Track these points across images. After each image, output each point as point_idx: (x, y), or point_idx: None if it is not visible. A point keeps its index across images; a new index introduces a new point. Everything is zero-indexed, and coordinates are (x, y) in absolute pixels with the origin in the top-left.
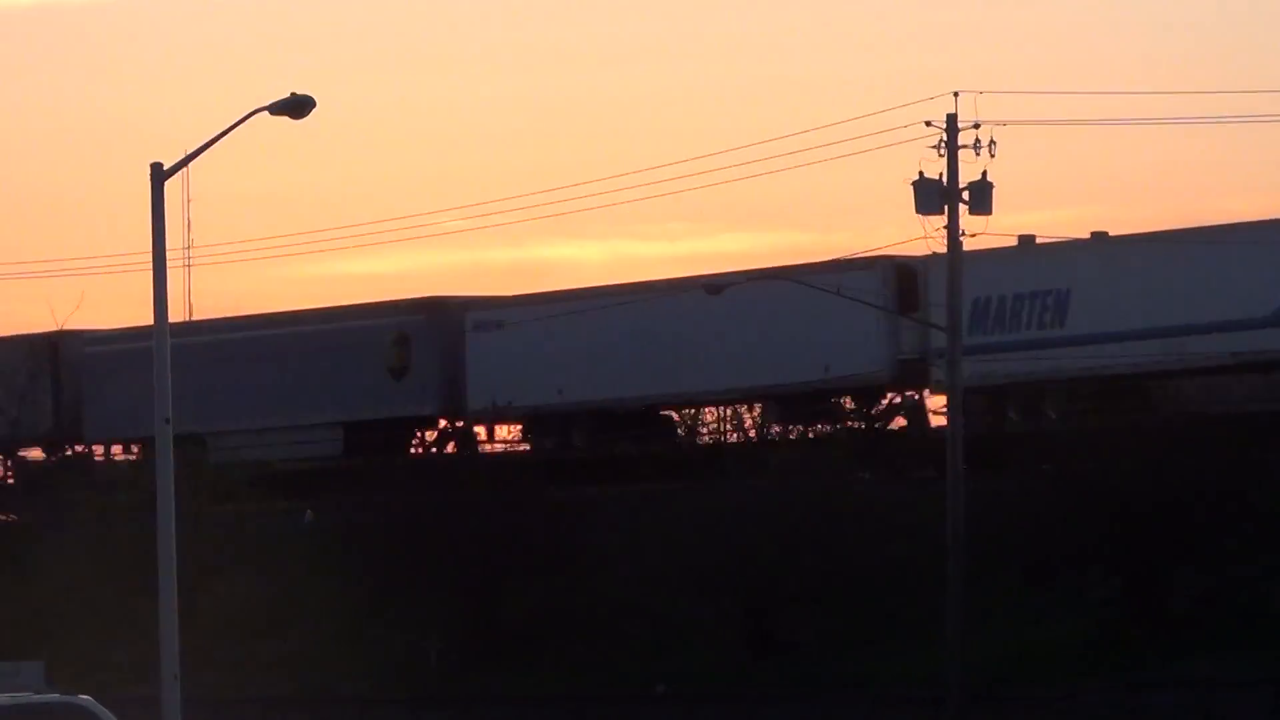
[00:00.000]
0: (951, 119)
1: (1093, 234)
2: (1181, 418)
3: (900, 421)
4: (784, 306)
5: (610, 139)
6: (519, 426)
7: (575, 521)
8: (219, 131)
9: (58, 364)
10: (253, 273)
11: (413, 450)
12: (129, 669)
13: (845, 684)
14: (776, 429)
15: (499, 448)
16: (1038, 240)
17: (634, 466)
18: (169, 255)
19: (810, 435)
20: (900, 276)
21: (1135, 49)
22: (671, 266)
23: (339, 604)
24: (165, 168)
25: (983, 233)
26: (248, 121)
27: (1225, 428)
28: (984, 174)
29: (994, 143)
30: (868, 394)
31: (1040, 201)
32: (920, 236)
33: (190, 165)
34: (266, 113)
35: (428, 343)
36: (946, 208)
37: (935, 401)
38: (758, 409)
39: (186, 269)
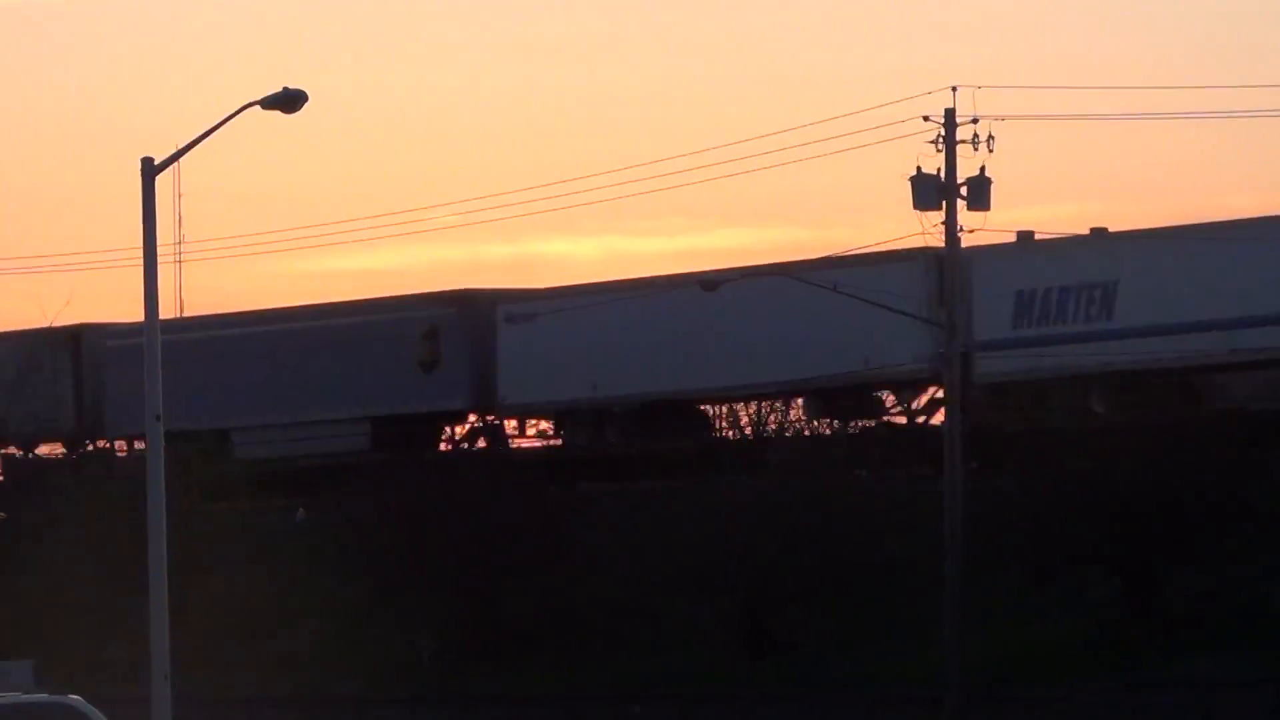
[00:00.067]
0: (949, 114)
1: (1092, 230)
2: (1231, 414)
3: (941, 416)
4: (822, 298)
5: (606, 134)
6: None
7: (572, 519)
8: (210, 126)
9: (79, 358)
10: (244, 269)
11: (442, 445)
12: (120, 668)
13: (843, 684)
14: (811, 424)
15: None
16: (1036, 236)
17: (673, 462)
18: (160, 251)
19: (852, 430)
20: (942, 267)
21: (1134, 43)
22: (668, 263)
23: (333, 603)
24: (156, 162)
25: (980, 229)
26: (239, 116)
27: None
28: (982, 169)
29: (992, 138)
30: (909, 388)
31: (1039, 197)
32: (918, 232)
33: (181, 160)
34: (258, 107)
35: (458, 336)
36: (944, 203)
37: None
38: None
39: (178, 264)
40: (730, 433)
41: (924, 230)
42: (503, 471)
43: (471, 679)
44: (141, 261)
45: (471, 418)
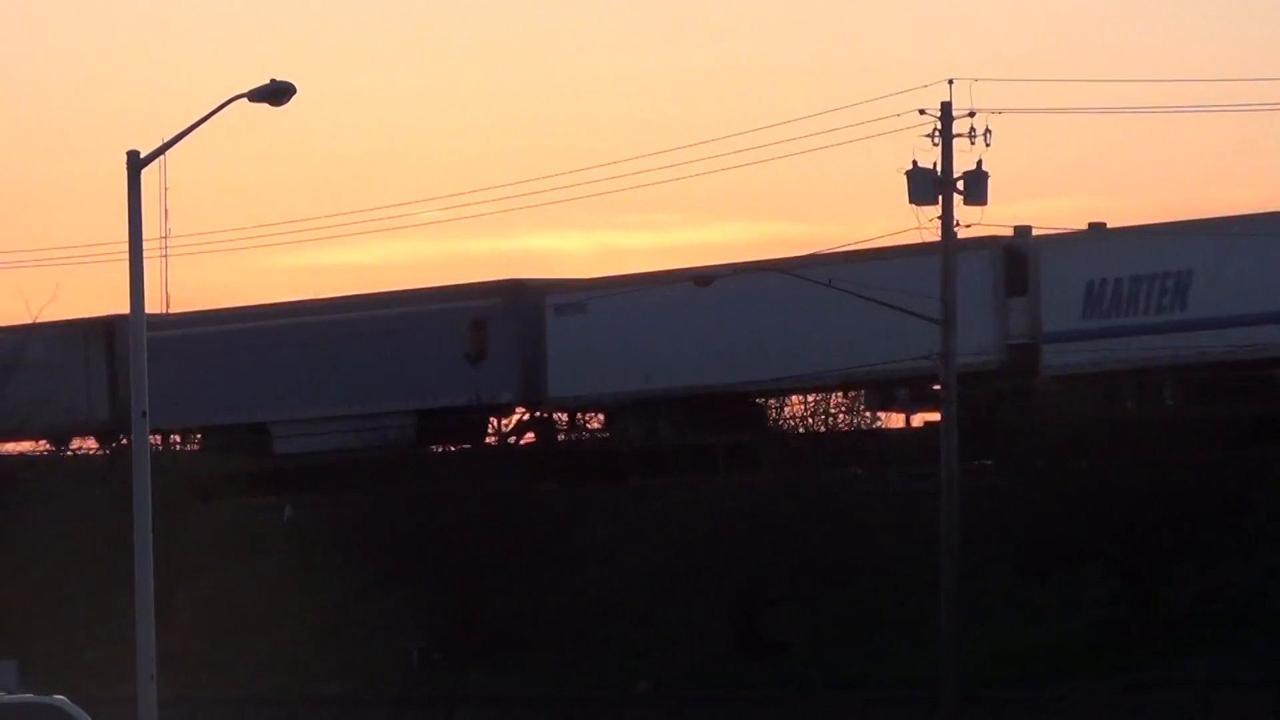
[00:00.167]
0: (946, 107)
1: (1090, 224)
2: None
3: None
4: (889, 286)
5: (596, 127)
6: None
7: (561, 518)
8: (197, 119)
9: (113, 350)
10: (231, 263)
11: (489, 439)
12: (105, 668)
13: (837, 685)
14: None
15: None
16: (1034, 231)
17: (731, 457)
18: (146, 245)
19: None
20: (1009, 258)
21: (1133, 36)
22: (658, 258)
23: (321, 602)
24: (142, 156)
25: (977, 223)
26: (226, 109)
27: None
28: (979, 163)
29: (989, 131)
30: (975, 380)
31: (1036, 191)
32: (914, 227)
33: (167, 154)
34: (245, 100)
35: (506, 327)
36: (941, 198)
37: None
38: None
39: (164, 259)
40: (784, 425)
41: (919, 225)
42: (493, 469)
43: (458, 679)
44: (127, 256)
45: (519, 411)
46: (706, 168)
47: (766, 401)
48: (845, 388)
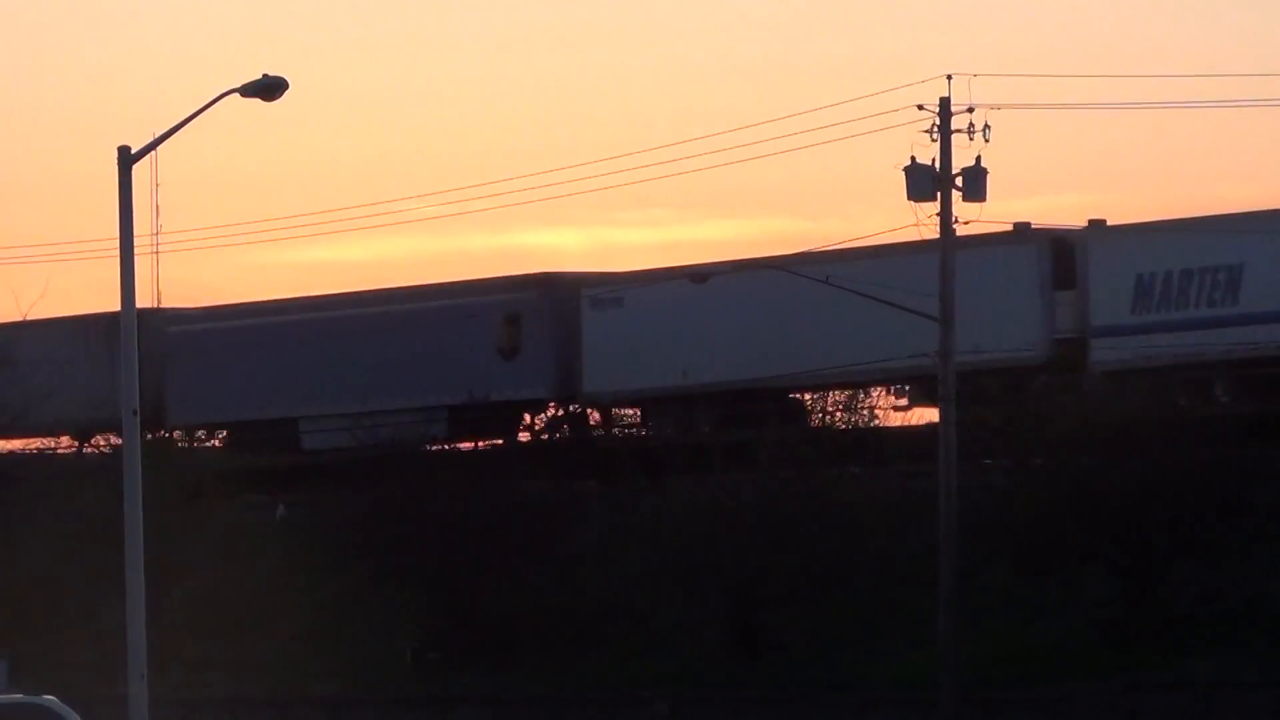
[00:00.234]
0: (944, 102)
1: (1090, 221)
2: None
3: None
4: (930, 281)
5: (592, 123)
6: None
7: (556, 517)
8: (188, 114)
9: (138, 345)
10: (223, 260)
11: (522, 435)
12: (96, 668)
13: (835, 685)
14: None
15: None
16: (1032, 226)
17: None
18: (137, 241)
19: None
20: (1056, 250)
21: (1133, 31)
22: (654, 254)
23: (313, 601)
24: (133, 151)
25: (976, 220)
26: (218, 104)
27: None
28: (978, 159)
29: (988, 127)
30: (1020, 376)
31: (1035, 187)
32: (912, 224)
33: (159, 149)
34: (238, 95)
35: (540, 321)
36: (939, 194)
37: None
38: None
39: (155, 255)
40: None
41: (918, 222)
42: (484, 468)
43: (452, 680)
44: (118, 252)
45: (554, 406)
46: (703, 164)
47: (806, 397)
48: (886, 383)
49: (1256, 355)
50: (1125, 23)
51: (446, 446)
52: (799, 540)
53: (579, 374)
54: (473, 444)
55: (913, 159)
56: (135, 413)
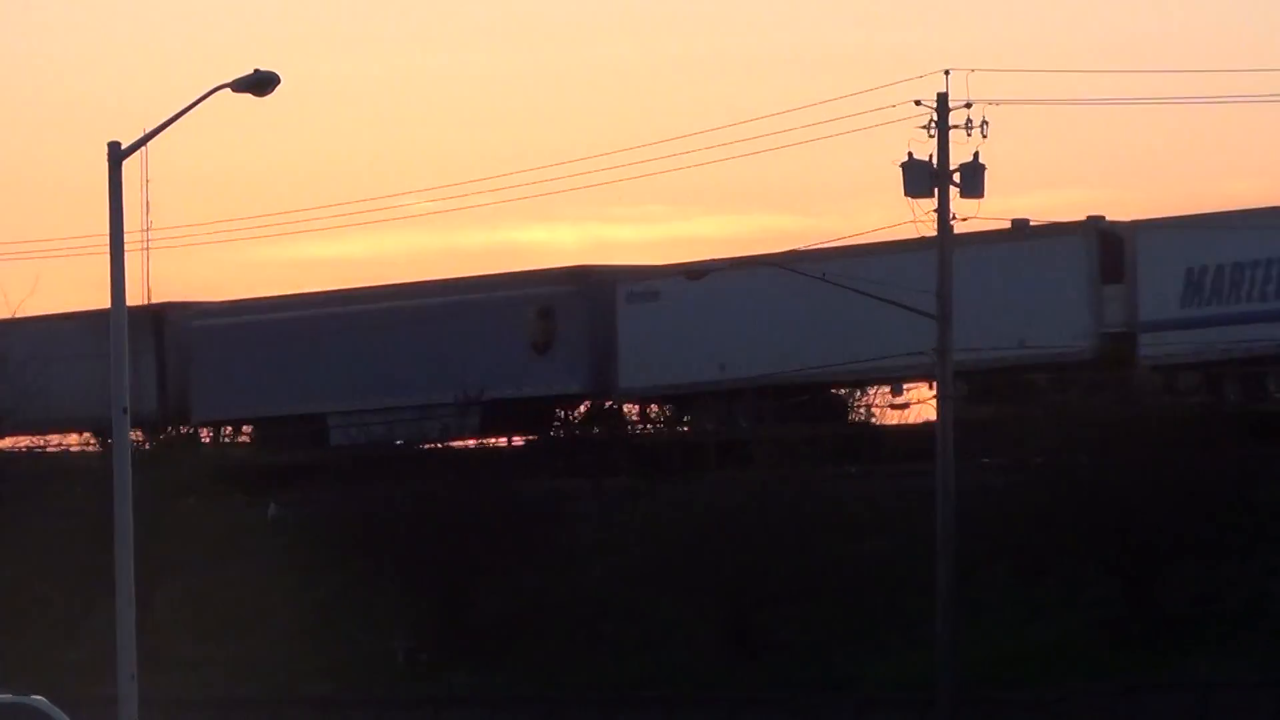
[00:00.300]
0: (942, 98)
1: (1088, 217)
2: None
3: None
4: (976, 274)
5: (585, 118)
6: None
7: (551, 515)
8: (179, 109)
9: (162, 339)
10: (214, 256)
11: (554, 431)
12: (85, 668)
13: (831, 685)
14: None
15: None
16: (1031, 223)
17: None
18: (127, 238)
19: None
20: (1104, 243)
21: (1132, 26)
22: (648, 251)
23: (305, 601)
24: (123, 147)
25: (974, 216)
26: (209, 99)
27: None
28: (976, 155)
29: (986, 123)
30: (1067, 370)
31: (1034, 184)
32: (909, 220)
33: (149, 144)
34: (229, 90)
35: (575, 315)
36: (936, 190)
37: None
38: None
39: (145, 252)
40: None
41: (915, 219)
42: (477, 466)
43: (445, 680)
44: (108, 249)
45: (588, 402)
46: (697, 160)
47: (848, 392)
48: (928, 379)
49: None
50: (1124, 17)
51: (478, 442)
52: (795, 539)
53: (614, 369)
54: (505, 440)
55: (910, 155)
56: (125, 411)
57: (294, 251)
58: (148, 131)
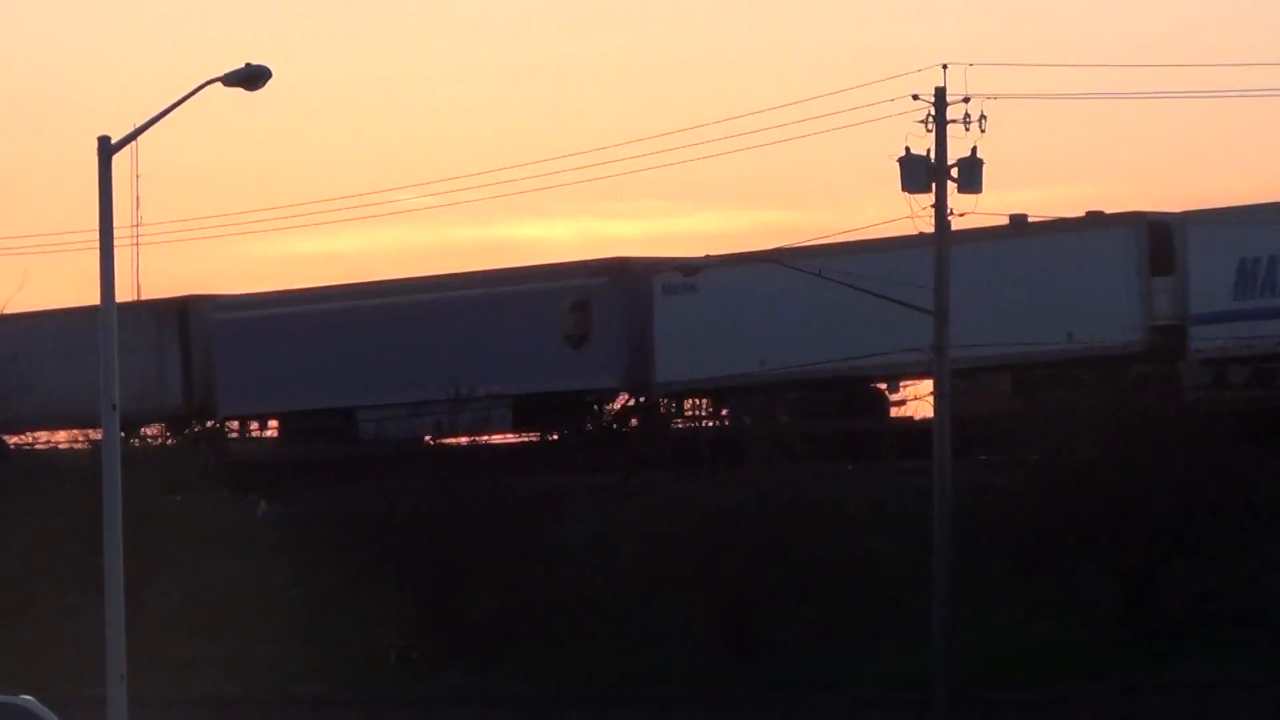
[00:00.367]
0: (940, 92)
1: (1088, 213)
2: None
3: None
4: (1021, 267)
5: (580, 113)
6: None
7: (543, 513)
8: (169, 104)
9: (186, 332)
10: (204, 251)
11: (589, 427)
12: (74, 668)
13: (827, 685)
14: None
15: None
16: (1029, 219)
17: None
18: (116, 233)
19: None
20: (1153, 234)
21: (1131, 21)
22: (644, 246)
23: (295, 600)
24: (113, 141)
25: (971, 211)
26: (200, 93)
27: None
28: (974, 150)
29: (984, 117)
30: (1116, 364)
31: (1032, 179)
32: (906, 216)
33: (139, 139)
34: (220, 84)
35: (610, 308)
36: (934, 185)
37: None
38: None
39: (135, 247)
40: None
41: (912, 214)
42: (471, 465)
43: (440, 678)
44: (98, 244)
45: (624, 396)
46: (693, 154)
47: (889, 386)
48: (974, 373)
49: None
50: (1122, 12)
51: (510, 437)
52: (791, 538)
53: (650, 362)
54: (537, 435)
55: (907, 150)
56: (114, 407)
57: (285, 247)
58: (138, 126)
